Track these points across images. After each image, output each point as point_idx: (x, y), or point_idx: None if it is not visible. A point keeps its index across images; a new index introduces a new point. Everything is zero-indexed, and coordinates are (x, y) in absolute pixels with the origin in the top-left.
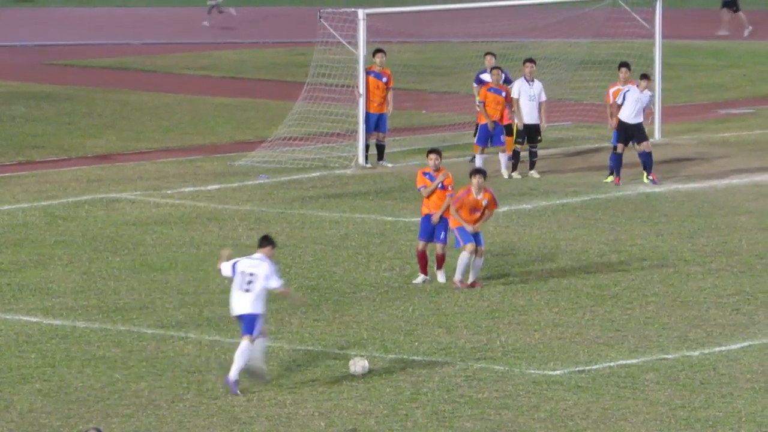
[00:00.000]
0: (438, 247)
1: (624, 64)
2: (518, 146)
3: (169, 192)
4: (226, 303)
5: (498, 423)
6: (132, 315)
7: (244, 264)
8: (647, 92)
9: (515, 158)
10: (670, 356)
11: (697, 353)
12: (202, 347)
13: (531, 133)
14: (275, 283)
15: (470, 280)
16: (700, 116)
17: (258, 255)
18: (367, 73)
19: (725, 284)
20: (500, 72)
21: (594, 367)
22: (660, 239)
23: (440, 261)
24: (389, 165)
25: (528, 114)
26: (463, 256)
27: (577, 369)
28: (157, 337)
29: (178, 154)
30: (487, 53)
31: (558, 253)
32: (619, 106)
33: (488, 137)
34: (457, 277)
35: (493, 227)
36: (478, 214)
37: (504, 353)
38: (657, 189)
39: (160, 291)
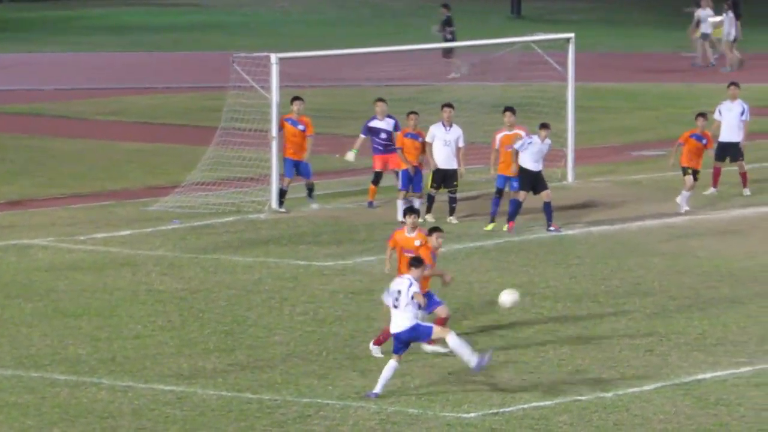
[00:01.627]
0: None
1: (509, 109)
2: (433, 190)
3: (81, 238)
4: (139, 348)
5: None
6: (44, 361)
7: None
8: (548, 141)
9: (429, 202)
10: (583, 398)
11: (610, 395)
12: (116, 393)
13: (447, 179)
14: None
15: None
16: (612, 158)
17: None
18: (285, 120)
19: (638, 325)
20: (416, 117)
21: (507, 409)
22: (573, 281)
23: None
24: (316, 206)
25: (444, 159)
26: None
27: (490, 411)
28: (70, 383)
29: (91, 200)
30: (378, 99)
31: (471, 297)
32: (518, 153)
33: (410, 182)
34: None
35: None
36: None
37: (418, 396)
38: (570, 231)
39: (73, 337)
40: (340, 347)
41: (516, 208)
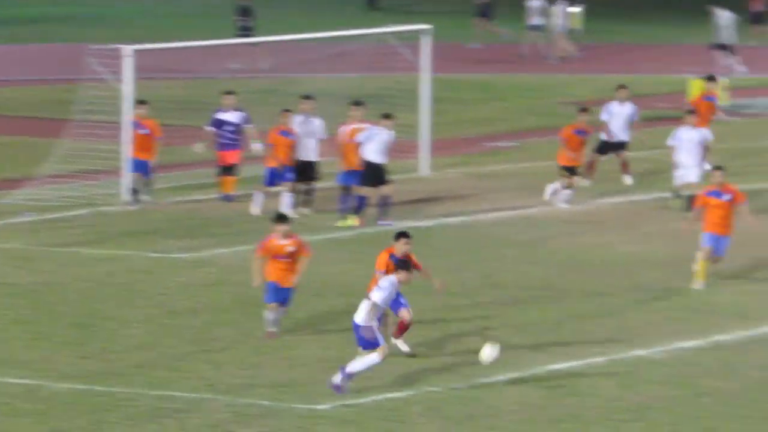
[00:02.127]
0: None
1: (357, 103)
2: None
3: None
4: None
5: None
6: None
7: None
8: (392, 132)
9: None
10: (436, 388)
11: (463, 385)
12: None
13: (307, 170)
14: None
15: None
16: (467, 150)
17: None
18: (132, 123)
19: (492, 317)
20: (290, 114)
21: (360, 400)
22: None
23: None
24: (148, 198)
25: (303, 150)
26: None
27: (343, 403)
28: None
29: None
30: (227, 92)
31: (325, 288)
32: (361, 146)
33: (275, 179)
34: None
35: None
36: (284, 261)
37: (270, 388)
38: (425, 223)
39: None
40: (194, 340)
41: (362, 203)
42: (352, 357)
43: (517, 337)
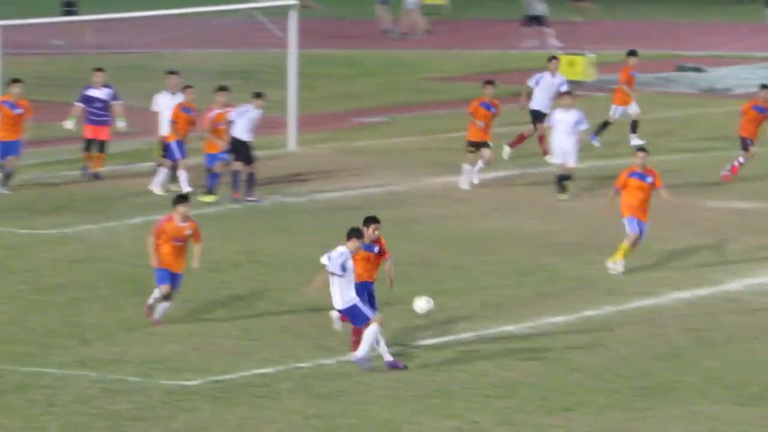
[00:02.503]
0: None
1: (222, 88)
2: (162, 160)
3: None
4: None
5: None
6: None
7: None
8: (260, 110)
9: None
10: (305, 365)
11: (332, 361)
12: None
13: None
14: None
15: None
16: (335, 125)
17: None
18: (2, 102)
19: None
20: (194, 90)
21: (229, 376)
22: (295, 248)
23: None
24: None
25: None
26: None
27: (212, 379)
28: None
29: None
30: (96, 69)
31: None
32: (230, 123)
33: (180, 154)
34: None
35: (127, 239)
36: (178, 245)
37: (139, 364)
38: (293, 199)
39: None
40: (61, 315)
41: (236, 177)
42: (219, 332)
43: (384, 313)
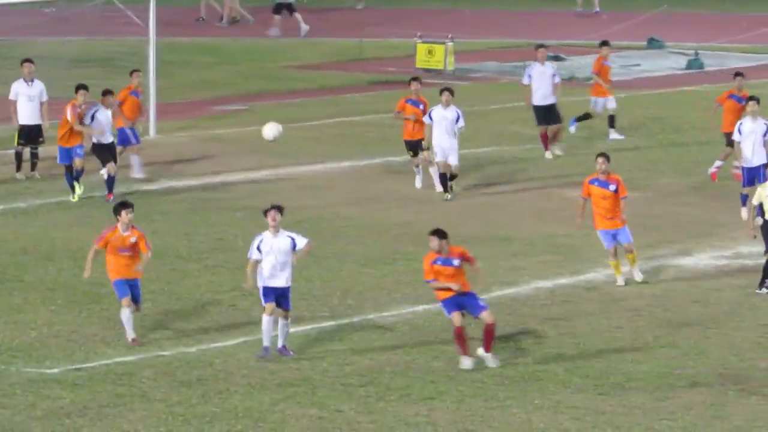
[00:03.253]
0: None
1: (82, 86)
2: (20, 147)
3: None
4: None
5: None
6: None
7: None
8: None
9: (18, 159)
10: (166, 353)
11: (194, 349)
12: None
13: (32, 135)
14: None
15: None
16: (194, 113)
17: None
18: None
19: (222, 281)
20: (140, 74)
21: (90, 364)
22: (156, 236)
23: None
24: None
25: (29, 115)
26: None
27: (73, 367)
28: None
29: None
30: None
31: (54, 252)
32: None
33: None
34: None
35: None
36: (127, 255)
37: (0, 352)
38: (153, 187)
39: None
40: None
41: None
42: (80, 320)
43: (247, 302)
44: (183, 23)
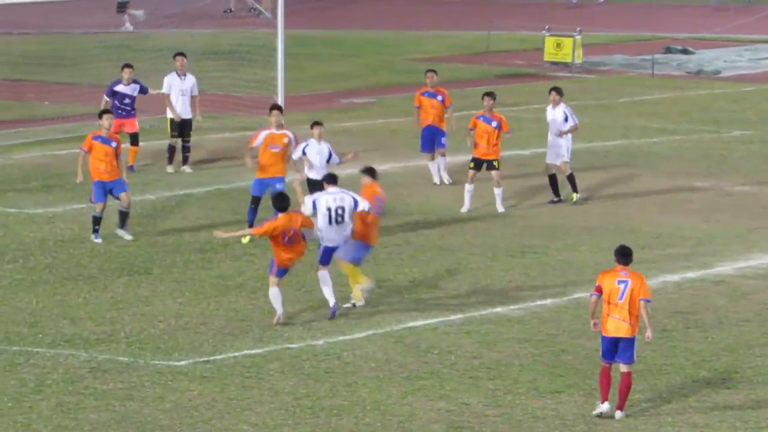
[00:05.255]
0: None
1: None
2: (174, 140)
3: None
4: None
5: (123, 414)
6: None
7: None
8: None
9: (170, 152)
10: (294, 345)
11: (321, 342)
12: None
13: (184, 128)
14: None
15: None
16: (323, 106)
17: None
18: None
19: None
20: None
21: (218, 357)
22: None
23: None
24: None
25: (181, 109)
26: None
27: (201, 359)
28: None
29: None
30: (126, 65)
31: (182, 245)
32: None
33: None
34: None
35: (115, 219)
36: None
37: (129, 344)
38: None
39: None
40: (50, 295)
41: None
42: (208, 313)
43: (374, 294)
44: (305, 15)
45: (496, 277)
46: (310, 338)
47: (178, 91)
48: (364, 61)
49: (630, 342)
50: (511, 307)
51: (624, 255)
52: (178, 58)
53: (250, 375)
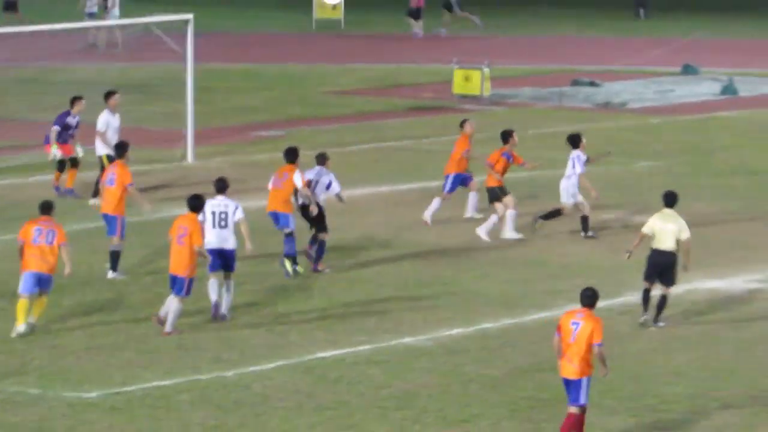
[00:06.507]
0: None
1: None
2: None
3: None
4: None
5: None
6: None
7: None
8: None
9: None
10: (203, 377)
11: (230, 373)
12: None
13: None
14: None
15: None
16: (233, 139)
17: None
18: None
19: (257, 304)
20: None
21: (128, 388)
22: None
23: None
24: None
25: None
26: None
27: (112, 391)
28: None
29: None
30: (78, 97)
31: (91, 278)
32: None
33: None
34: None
35: None
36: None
37: (39, 376)
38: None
39: None
40: None
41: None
42: (118, 344)
43: (283, 325)
44: (221, 49)
45: (405, 308)
46: (220, 369)
47: (114, 129)
48: (276, 94)
49: (576, 384)
50: (419, 337)
51: (582, 296)
52: (114, 96)
53: (159, 406)
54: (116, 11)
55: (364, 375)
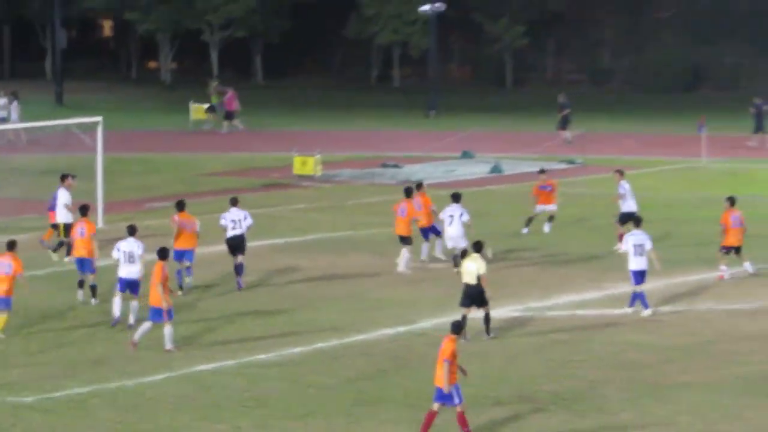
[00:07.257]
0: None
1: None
2: (66, 239)
3: None
4: None
5: None
6: None
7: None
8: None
9: (59, 245)
10: (111, 385)
11: (131, 382)
12: None
13: (68, 230)
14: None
15: None
16: (132, 209)
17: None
18: None
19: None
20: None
21: (56, 394)
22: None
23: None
24: None
25: (68, 216)
26: None
27: (44, 396)
28: None
29: None
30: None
31: (28, 308)
32: None
33: None
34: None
35: None
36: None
37: None
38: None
39: None
40: None
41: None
42: (53, 358)
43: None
44: (122, 142)
45: (258, 331)
46: (124, 379)
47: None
48: (165, 176)
49: (439, 390)
50: (270, 354)
51: (451, 325)
52: (73, 179)
53: (79, 407)
54: (15, 116)
55: (232, 383)
